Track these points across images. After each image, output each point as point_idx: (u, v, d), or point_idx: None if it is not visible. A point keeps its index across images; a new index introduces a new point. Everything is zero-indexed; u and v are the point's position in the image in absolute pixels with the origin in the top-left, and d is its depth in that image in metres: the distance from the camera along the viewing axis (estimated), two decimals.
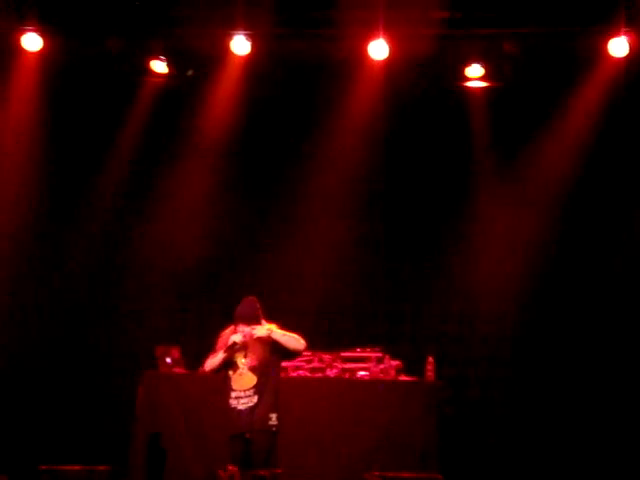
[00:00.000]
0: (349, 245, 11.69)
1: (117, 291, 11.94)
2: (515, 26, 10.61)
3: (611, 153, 11.39)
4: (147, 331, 11.60)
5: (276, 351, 8.00)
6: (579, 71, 11.03)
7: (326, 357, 10.43)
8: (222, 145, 11.79)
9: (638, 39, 10.49)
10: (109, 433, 11.05)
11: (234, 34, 10.80)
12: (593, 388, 11.14)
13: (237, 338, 7.96)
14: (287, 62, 11.18)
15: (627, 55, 10.59)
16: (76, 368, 11.62)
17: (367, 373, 10.29)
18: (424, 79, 11.26)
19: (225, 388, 8.04)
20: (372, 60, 10.86)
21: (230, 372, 8.02)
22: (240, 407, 7.90)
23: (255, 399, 7.88)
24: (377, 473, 8.85)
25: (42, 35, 10.95)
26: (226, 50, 10.95)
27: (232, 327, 8.09)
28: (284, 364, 9.89)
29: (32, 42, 10.96)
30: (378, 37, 10.61)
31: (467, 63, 11.10)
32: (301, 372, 10.32)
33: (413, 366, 10.41)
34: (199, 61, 11.38)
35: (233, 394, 7.96)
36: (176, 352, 10.53)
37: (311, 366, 10.38)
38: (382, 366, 10.32)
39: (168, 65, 11.36)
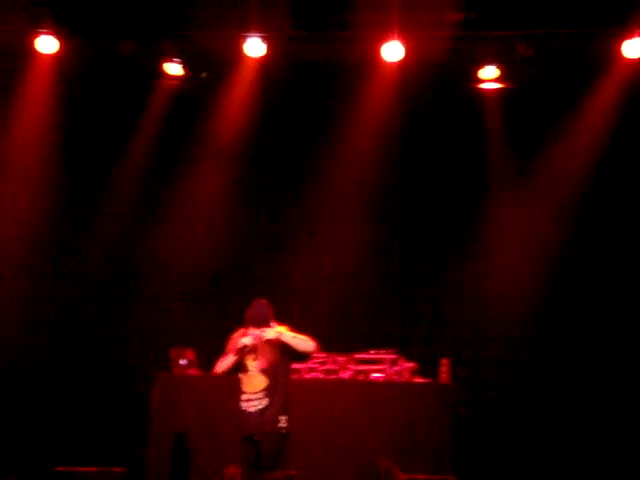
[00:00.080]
0: (363, 247, 11.68)
1: (132, 293, 11.95)
2: (529, 28, 10.58)
3: (626, 154, 11.38)
4: (162, 333, 11.60)
5: (286, 353, 7.99)
6: (593, 72, 11.02)
7: (340, 359, 10.45)
8: (236, 147, 11.81)
9: None
10: (124, 434, 11.07)
11: (248, 36, 10.81)
12: (608, 390, 11.11)
13: (247, 341, 7.94)
14: (301, 64, 11.20)
15: None
16: (91, 370, 11.65)
17: (381, 375, 10.29)
18: (438, 81, 11.26)
19: (236, 390, 8.04)
20: (386, 62, 10.86)
21: (241, 374, 8.01)
22: (250, 409, 7.89)
23: (265, 401, 7.86)
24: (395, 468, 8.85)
25: (57, 38, 11.00)
26: (240, 52, 10.96)
27: (242, 329, 8.09)
28: (298, 366, 9.97)
29: (47, 45, 11.02)
30: (392, 39, 10.62)
31: (481, 65, 11.11)
32: (315, 374, 10.33)
33: (427, 368, 10.41)
34: (213, 63, 11.40)
35: (244, 396, 7.95)
36: (190, 354, 10.54)
37: (325, 368, 10.40)
38: (396, 368, 10.32)
39: (182, 67, 11.38)
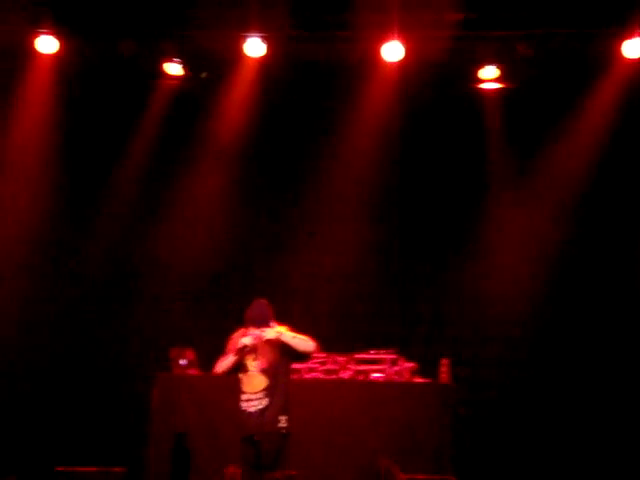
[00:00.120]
0: (364, 247, 11.68)
1: (132, 293, 11.95)
2: (529, 28, 10.58)
3: (626, 154, 11.38)
4: (162, 333, 11.60)
5: (286, 353, 7.99)
6: (593, 72, 11.03)
7: (340, 359, 10.45)
8: (236, 147, 11.81)
9: None
10: (124, 434, 11.08)
11: (248, 36, 10.81)
12: (609, 390, 11.11)
13: (247, 341, 7.94)
14: (301, 64, 11.20)
15: None
16: (92, 370, 11.66)
17: (381, 375, 10.29)
18: (438, 81, 11.26)
19: (236, 390, 8.05)
20: (386, 62, 10.86)
21: (241, 375, 8.01)
22: (250, 409, 7.89)
23: (265, 401, 7.86)
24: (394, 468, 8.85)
25: (57, 38, 11.00)
26: (240, 52, 10.96)
27: (242, 329, 8.09)
28: (298, 366, 9.97)
29: (47, 45, 11.02)
30: (392, 39, 10.62)
31: (481, 65, 11.11)
32: (315, 374, 10.34)
33: (427, 368, 10.41)
34: (213, 63, 11.40)
35: (244, 396, 7.95)
36: (190, 354, 10.55)
37: (325, 368, 10.40)
38: (396, 368, 10.33)
39: (182, 67, 11.38)
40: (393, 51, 10.70)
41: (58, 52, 11.12)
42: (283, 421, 7.83)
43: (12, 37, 10.92)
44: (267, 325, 7.97)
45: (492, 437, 11.16)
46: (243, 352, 7.93)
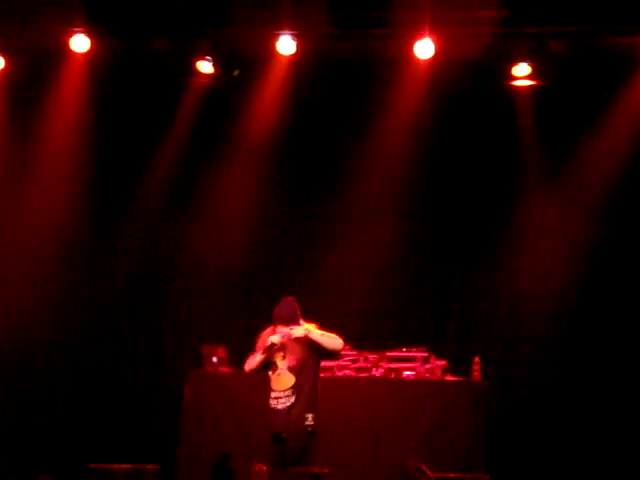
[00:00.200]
0: (395, 245, 11.65)
1: (164, 291, 12.00)
2: (562, 24, 10.52)
3: None
4: (194, 330, 11.65)
5: (314, 351, 8.00)
6: (627, 70, 10.93)
7: (372, 357, 10.45)
8: (268, 145, 11.81)
9: None
10: (157, 432, 11.13)
11: (280, 34, 10.82)
12: None
13: (275, 339, 7.97)
14: (333, 62, 11.18)
15: None
16: (124, 367, 11.72)
17: (413, 373, 10.28)
18: (470, 78, 11.20)
19: (265, 388, 8.08)
20: (418, 59, 10.83)
21: (270, 372, 8.05)
22: (279, 407, 7.92)
23: (293, 399, 7.89)
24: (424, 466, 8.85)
25: (90, 36, 11.03)
26: (272, 50, 10.97)
27: (271, 328, 8.12)
28: (330, 364, 9.99)
29: (80, 43, 11.05)
30: (424, 36, 10.59)
31: (514, 62, 11.04)
32: (347, 372, 10.34)
33: (459, 366, 10.39)
34: (245, 61, 11.41)
35: (272, 394, 7.99)
36: (222, 351, 10.58)
37: (357, 366, 10.40)
38: (428, 366, 10.30)
39: (214, 65, 11.39)
40: (426, 48, 10.67)
41: (91, 51, 11.15)
42: (310, 419, 7.85)
43: (46, 36, 10.98)
44: (295, 323, 7.99)
45: (525, 435, 11.12)
46: (271, 350, 7.96)
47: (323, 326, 8.12)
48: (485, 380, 10.17)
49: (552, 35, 10.67)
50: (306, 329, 7.96)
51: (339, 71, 11.30)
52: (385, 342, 10.85)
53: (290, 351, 7.98)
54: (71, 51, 11.15)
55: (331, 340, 8.00)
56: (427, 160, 11.62)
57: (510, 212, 11.61)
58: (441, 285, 11.73)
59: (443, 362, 10.35)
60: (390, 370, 10.35)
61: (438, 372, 10.27)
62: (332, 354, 8.24)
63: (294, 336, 7.94)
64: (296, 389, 7.89)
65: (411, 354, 10.42)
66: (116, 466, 8.88)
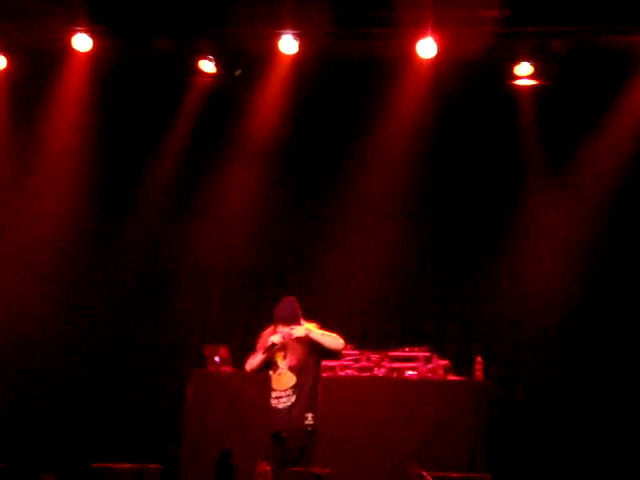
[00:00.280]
0: (397, 245, 11.64)
1: (166, 290, 12.00)
2: (564, 24, 10.52)
3: None
4: (196, 330, 11.65)
5: (315, 351, 8.02)
6: (629, 69, 10.93)
7: (374, 356, 10.44)
8: (270, 145, 11.81)
9: None
10: (159, 431, 11.13)
11: (282, 33, 10.82)
12: None
13: (276, 339, 7.99)
14: (335, 61, 11.17)
15: None
16: (126, 367, 11.72)
17: (415, 372, 10.27)
18: (472, 78, 11.20)
19: (266, 388, 8.10)
20: (420, 59, 10.83)
21: (271, 372, 8.08)
22: (280, 406, 7.96)
23: (293, 398, 7.92)
24: (424, 471, 8.83)
25: (92, 36, 11.04)
26: (274, 50, 10.97)
27: (272, 327, 8.13)
28: (332, 363, 10.00)
29: (82, 43, 11.05)
30: (427, 36, 10.59)
31: (516, 62, 11.04)
32: (349, 371, 10.34)
33: (461, 366, 10.38)
34: (247, 61, 11.41)
35: (273, 394, 8.02)
36: (224, 351, 10.58)
37: (359, 365, 10.40)
38: (430, 366, 10.30)
39: (216, 65, 11.39)
40: (428, 48, 10.67)
41: (93, 50, 11.15)
42: (310, 418, 7.89)
43: (48, 35, 10.99)
44: (296, 323, 8.01)
45: (527, 435, 11.11)
46: (272, 350, 7.99)
47: (325, 326, 8.14)
48: (487, 380, 10.17)
49: (554, 35, 10.67)
50: (307, 329, 7.98)
51: (341, 70, 11.30)
52: (387, 342, 10.85)
53: (291, 351, 8.00)
54: (73, 50, 11.16)
55: (332, 340, 8.02)
56: (429, 160, 11.62)
57: (512, 212, 11.59)
58: (443, 285, 11.72)
59: (445, 362, 10.34)
60: (392, 370, 10.34)
61: (440, 372, 10.26)
62: (333, 354, 8.25)
63: (295, 336, 7.96)
64: (297, 389, 7.92)
65: (413, 354, 10.42)
66: (118, 465, 8.86)
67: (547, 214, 11.55)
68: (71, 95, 11.61)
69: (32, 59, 11.40)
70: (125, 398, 11.57)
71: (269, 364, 8.08)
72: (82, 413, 11.54)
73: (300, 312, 8.11)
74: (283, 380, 7.98)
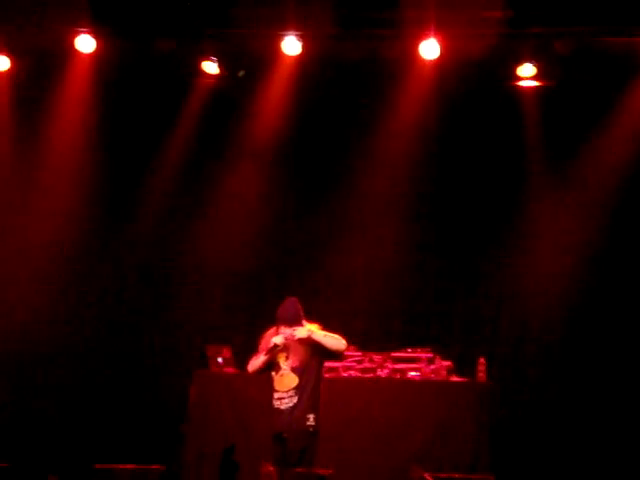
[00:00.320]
0: (400, 246, 11.64)
1: (169, 291, 12.01)
2: (567, 25, 10.51)
3: None
4: (198, 330, 11.65)
5: (317, 352, 8.02)
6: (632, 70, 10.92)
7: (377, 357, 10.45)
8: (273, 146, 11.81)
9: None
10: (162, 432, 11.12)
11: (285, 35, 10.82)
12: None
13: (278, 340, 8.00)
14: (338, 62, 11.17)
15: None
16: (129, 367, 11.72)
17: (418, 374, 10.29)
18: (475, 79, 11.19)
19: (269, 389, 8.10)
20: (423, 60, 10.83)
21: (273, 373, 8.08)
22: (282, 407, 7.97)
23: (296, 399, 7.93)
24: (427, 474, 8.83)
25: (95, 37, 11.04)
26: (277, 51, 10.97)
27: (274, 328, 8.14)
28: (335, 364, 10.00)
29: (86, 44, 11.05)
30: (429, 37, 10.58)
31: (519, 62, 11.02)
32: (352, 372, 10.35)
33: (464, 367, 10.40)
34: (250, 62, 11.41)
35: (276, 395, 8.03)
36: (227, 351, 10.59)
37: (362, 366, 10.41)
38: (433, 367, 10.31)
39: (219, 66, 11.39)
40: (431, 49, 10.66)
41: (96, 51, 11.15)
42: (311, 419, 7.90)
43: (51, 37, 11.00)
44: (298, 324, 8.01)
45: (530, 436, 11.11)
46: (274, 351, 7.99)
47: (328, 327, 8.14)
48: (490, 381, 10.16)
49: (557, 36, 10.65)
50: (309, 330, 7.98)
51: (344, 72, 11.29)
52: (390, 343, 10.86)
53: (293, 352, 8.01)
54: (76, 51, 11.16)
55: (334, 341, 8.02)
56: (432, 161, 11.62)
57: (515, 212, 11.60)
58: (446, 286, 11.71)
59: (448, 363, 10.35)
60: (395, 371, 10.35)
61: (443, 373, 10.27)
62: (335, 355, 8.26)
63: (297, 337, 7.96)
64: (299, 390, 7.93)
65: (416, 355, 10.44)
66: (121, 466, 8.87)
67: (551, 214, 11.54)
68: (74, 96, 11.63)
69: (35, 60, 11.41)
70: (128, 399, 11.57)
71: (271, 365, 8.09)
72: (85, 414, 11.55)
73: (302, 313, 8.11)
74: (285, 381, 7.98)
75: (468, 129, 11.62)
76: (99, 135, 11.82)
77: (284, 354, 8.04)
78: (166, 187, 12.02)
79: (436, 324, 11.56)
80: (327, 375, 9.87)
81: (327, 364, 9.74)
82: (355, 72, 11.27)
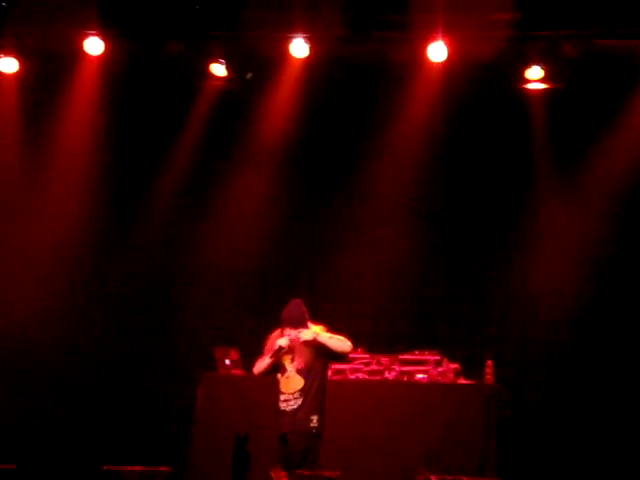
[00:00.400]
0: (407, 247, 11.65)
1: (176, 292, 12.04)
2: (575, 27, 10.51)
3: None
4: (206, 332, 11.66)
5: (322, 354, 8.03)
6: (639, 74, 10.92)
7: (384, 360, 10.45)
8: (281, 148, 11.83)
9: None
10: (170, 434, 11.14)
11: (293, 37, 10.83)
12: None
13: (283, 342, 8.01)
14: (346, 65, 11.18)
15: None
16: (137, 370, 11.74)
17: (425, 376, 10.28)
18: (483, 81, 11.18)
19: (275, 391, 8.11)
20: (431, 62, 10.83)
21: (279, 375, 8.10)
22: (287, 409, 7.99)
23: (301, 401, 7.94)
24: (434, 476, 8.84)
25: (104, 39, 11.07)
26: (285, 53, 10.98)
27: (279, 330, 8.14)
28: (342, 366, 10.02)
29: (94, 46, 11.08)
30: (437, 39, 10.59)
31: (527, 65, 11.01)
32: (359, 375, 10.35)
33: (472, 369, 10.38)
34: (258, 64, 11.42)
35: (282, 397, 8.05)
36: (235, 353, 10.60)
37: (369, 369, 10.40)
38: (440, 369, 10.30)
39: (227, 68, 11.41)
40: (439, 51, 10.66)
41: (105, 53, 11.18)
42: (314, 421, 7.92)
43: (60, 39, 11.03)
44: (303, 326, 8.02)
45: (537, 438, 11.09)
46: (279, 354, 8.00)
47: (335, 328, 8.14)
48: (497, 383, 10.16)
49: (565, 38, 10.64)
50: (314, 332, 8.00)
51: (352, 74, 11.30)
52: (397, 345, 10.85)
53: (298, 354, 8.02)
54: (85, 54, 11.19)
55: (339, 343, 8.03)
56: (439, 163, 11.62)
57: (523, 214, 11.59)
58: (454, 288, 11.72)
59: (455, 365, 10.34)
60: (402, 373, 10.35)
61: (450, 375, 10.26)
62: (340, 357, 8.27)
63: (302, 339, 7.96)
64: (304, 391, 7.95)
65: (423, 357, 10.42)
66: (128, 468, 8.88)
67: (558, 216, 11.53)
68: (83, 98, 11.66)
69: (44, 62, 11.44)
70: (136, 401, 11.59)
71: (277, 367, 8.10)
72: (93, 416, 11.57)
73: (307, 315, 8.12)
74: (291, 383, 8.00)
75: (476, 131, 11.62)
76: (107, 137, 11.86)
77: (289, 356, 8.05)
78: (174, 189, 12.06)
79: (443, 326, 11.55)
80: (335, 377, 9.90)
81: (335, 366, 9.78)
82: (363, 75, 11.28)
